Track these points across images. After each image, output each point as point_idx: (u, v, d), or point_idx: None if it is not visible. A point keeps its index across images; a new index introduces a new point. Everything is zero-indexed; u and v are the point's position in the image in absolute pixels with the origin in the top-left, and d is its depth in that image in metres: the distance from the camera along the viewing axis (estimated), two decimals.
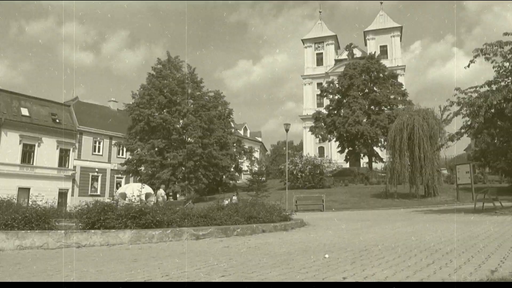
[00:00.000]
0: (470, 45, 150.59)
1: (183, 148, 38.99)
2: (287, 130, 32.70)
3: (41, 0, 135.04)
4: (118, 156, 52.28)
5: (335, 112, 48.21)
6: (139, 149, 40.25)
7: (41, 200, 10.16)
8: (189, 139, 40.08)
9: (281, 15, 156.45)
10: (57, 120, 47.72)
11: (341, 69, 55.45)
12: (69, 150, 48.66)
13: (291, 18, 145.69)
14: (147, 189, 22.62)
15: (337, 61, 72.86)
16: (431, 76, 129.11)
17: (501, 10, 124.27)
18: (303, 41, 76.80)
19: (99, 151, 52.37)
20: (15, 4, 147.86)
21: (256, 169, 50.88)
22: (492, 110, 16.65)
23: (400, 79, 55.74)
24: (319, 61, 75.78)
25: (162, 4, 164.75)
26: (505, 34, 16.50)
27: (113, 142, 50.97)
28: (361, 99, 45.72)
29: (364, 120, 44.63)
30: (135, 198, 10.42)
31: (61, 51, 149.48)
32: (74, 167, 48.95)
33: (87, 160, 50.45)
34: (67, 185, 47.68)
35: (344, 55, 70.85)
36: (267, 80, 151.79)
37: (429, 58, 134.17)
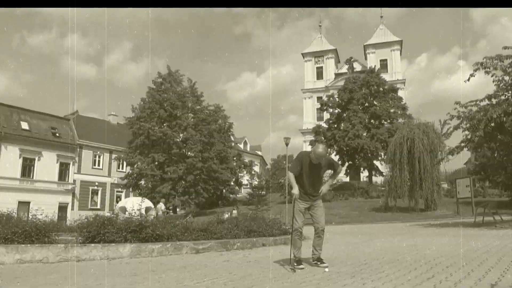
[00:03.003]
0: (475, 58, 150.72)
1: (183, 162, 38.99)
2: (287, 144, 32.70)
3: (43, 7, 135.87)
4: (118, 170, 52.26)
5: (335, 126, 48.26)
6: (139, 163, 40.22)
7: (41, 214, 10.15)
8: (189, 153, 40.10)
9: (286, 27, 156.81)
10: (57, 134, 47.82)
11: (341, 83, 55.63)
12: (69, 164, 48.68)
13: (297, 29, 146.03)
14: (147, 203, 22.63)
15: (337, 75, 73.09)
16: (436, 89, 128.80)
17: (507, 21, 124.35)
18: (303, 55, 77.12)
19: (99, 165, 52.41)
20: (18, 16, 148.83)
21: (256, 183, 50.86)
22: (492, 124, 16.67)
23: (400, 93, 55.83)
24: (319, 75, 76.00)
25: (165, 16, 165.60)
26: (505, 48, 16.56)
27: (113, 156, 50.95)
28: (361, 113, 45.80)
29: (364, 134, 44.67)
30: (135, 212, 10.40)
31: (63, 64, 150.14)
32: (74, 181, 48.96)
33: (87, 174, 50.46)
34: (67, 199, 47.67)
35: (344, 69, 71.12)
36: (270, 92, 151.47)
37: (434, 71, 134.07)
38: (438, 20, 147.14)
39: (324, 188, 6.49)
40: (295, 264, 6.04)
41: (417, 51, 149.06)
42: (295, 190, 6.16)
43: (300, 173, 6.31)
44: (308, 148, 60.68)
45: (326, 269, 5.74)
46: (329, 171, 6.82)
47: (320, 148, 6.14)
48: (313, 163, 6.23)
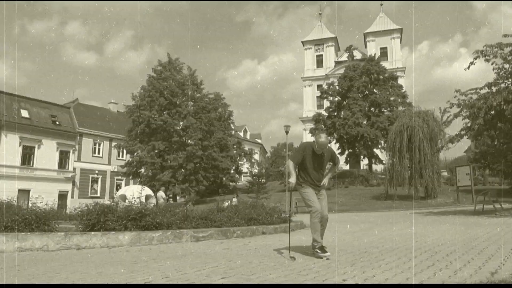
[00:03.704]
0: (477, 46, 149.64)
1: (183, 150, 39.01)
2: (287, 132, 32.67)
3: (45, 0, 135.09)
4: (118, 158, 52.36)
5: (335, 114, 48.23)
6: (139, 151, 40.26)
7: (41, 202, 10.12)
8: (189, 141, 40.10)
9: (287, 15, 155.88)
10: (57, 122, 47.78)
11: (341, 71, 55.59)
12: (69, 152, 48.71)
13: (298, 17, 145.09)
14: (147, 191, 22.57)
15: (337, 63, 72.95)
16: (437, 77, 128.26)
17: (508, 9, 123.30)
18: (303, 43, 76.87)
19: (99, 153, 52.42)
20: (19, 4, 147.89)
21: (256, 171, 50.90)
22: (492, 112, 16.68)
23: (400, 81, 55.82)
24: (319, 63, 75.83)
25: (166, 4, 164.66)
26: (505, 36, 16.51)
27: (113, 144, 50.95)
28: (361, 101, 45.77)
29: (364, 122, 44.69)
30: (135, 200, 10.39)
31: (64, 52, 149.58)
32: (74, 169, 49.00)
33: (87, 162, 50.50)
34: (67, 187, 47.74)
35: (344, 57, 70.90)
36: (270, 80, 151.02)
37: (436, 59, 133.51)
38: (439, 8, 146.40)
39: (325, 181, 6.52)
40: (319, 252, 5.98)
41: (418, 38, 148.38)
42: (292, 179, 6.17)
43: (304, 164, 6.34)
44: (308, 136, 60.80)
45: (327, 258, 5.73)
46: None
47: (323, 137, 6.16)
48: (317, 154, 6.24)
